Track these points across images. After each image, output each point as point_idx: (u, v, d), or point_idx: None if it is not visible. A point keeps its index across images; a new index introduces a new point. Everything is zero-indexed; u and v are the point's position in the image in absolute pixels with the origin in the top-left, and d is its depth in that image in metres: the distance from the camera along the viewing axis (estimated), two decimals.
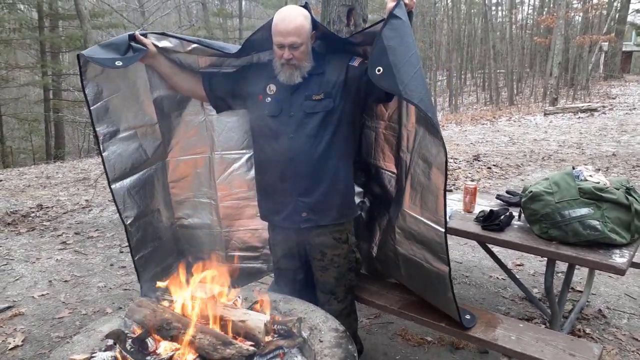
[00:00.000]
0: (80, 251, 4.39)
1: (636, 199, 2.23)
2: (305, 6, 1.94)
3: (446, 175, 1.75)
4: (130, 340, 1.59)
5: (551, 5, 24.09)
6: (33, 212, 5.76)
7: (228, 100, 2.17)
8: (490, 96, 22.51)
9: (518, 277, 2.91)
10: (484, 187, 6.07)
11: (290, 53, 1.89)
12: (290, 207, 2.07)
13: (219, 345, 1.48)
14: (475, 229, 2.48)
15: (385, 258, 2.35)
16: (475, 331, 2.05)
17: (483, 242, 2.79)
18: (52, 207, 6.01)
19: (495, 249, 3.02)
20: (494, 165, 7.44)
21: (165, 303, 1.72)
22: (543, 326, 2.67)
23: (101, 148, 1.94)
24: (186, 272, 1.79)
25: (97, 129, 1.93)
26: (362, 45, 2.06)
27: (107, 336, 1.61)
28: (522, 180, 6.41)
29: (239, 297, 1.86)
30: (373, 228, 2.47)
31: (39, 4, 15.56)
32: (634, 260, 2.28)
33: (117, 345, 1.55)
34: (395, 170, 2.25)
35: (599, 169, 6.49)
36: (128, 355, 1.51)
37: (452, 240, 3.87)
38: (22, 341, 2.88)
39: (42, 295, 3.50)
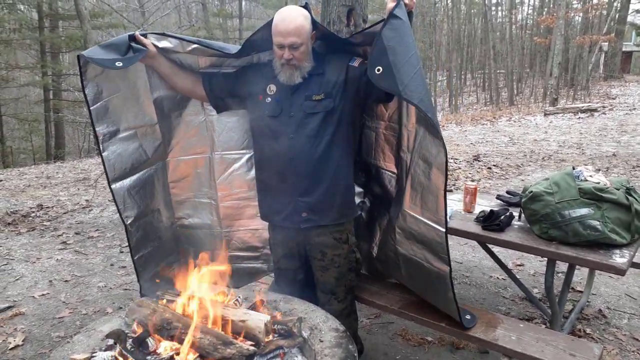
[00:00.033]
0: (81, 251, 4.40)
1: (636, 199, 2.23)
2: (305, 6, 1.94)
3: (446, 175, 1.75)
4: (130, 340, 1.59)
5: (551, 6, 24.10)
6: (33, 212, 5.76)
7: (228, 100, 2.17)
8: (490, 96, 22.52)
9: (518, 277, 2.91)
10: (484, 188, 6.07)
11: (290, 53, 1.89)
12: (290, 207, 2.07)
13: (220, 345, 1.48)
14: (476, 229, 2.48)
15: (385, 258, 2.35)
16: (475, 331, 2.05)
17: (483, 242, 2.79)
18: (53, 207, 6.01)
19: (496, 249, 3.02)
20: (494, 165, 7.44)
21: (165, 301, 1.72)
22: (543, 326, 2.67)
23: (101, 148, 1.94)
24: (186, 272, 1.79)
25: (97, 129, 1.93)
26: (362, 46, 2.06)
27: (108, 336, 1.61)
28: (522, 180, 6.41)
29: (239, 297, 1.86)
30: (373, 228, 2.47)
31: (39, 4, 15.56)
32: (634, 260, 2.28)
33: (118, 345, 1.55)
34: (395, 171, 2.25)
35: (599, 169, 6.49)
36: (128, 355, 1.51)
37: (452, 241, 3.87)
38: (23, 341, 2.88)
39: (43, 295, 3.50)
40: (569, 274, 2.44)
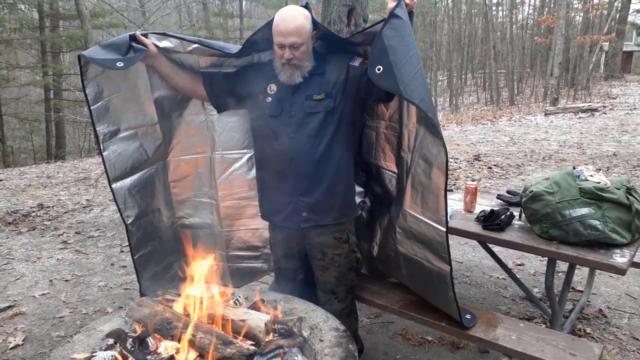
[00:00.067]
0: (81, 250, 4.40)
1: (637, 199, 2.23)
2: (306, 6, 1.94)
3: (447, 175, 1.75)
4: (130, 339, 1.59)
5: (552, 5, 24.10)
6: (34, 211, 5.76)
7: (229, 100, 2.17)
8: (490, 96, 22.51)
9: (518, 276, 2.91)
10: (485, 187, 6.07)
11: (290, 53, 1.89)
12: (290, 207, 2.07)
13: (220, 344, 1.48)
14: (476, 228, 2.48)
15: (386, 258, 2.35)
16: (475, 331, 2.05)
17: (484, 242, 2.79)
18: (53, 206, 6.01)
19: (496, 249, 3.02)
20: (494, 165, 7.44)
21: (165, 301, 1.73)
22: (543, 326, 2.67)
23: (101, 147, 1.95)
24: (186, 271, 1.79)
25: (97, 129, 1.93)
26: (363, 45, 2.06)
27: (108, 335, 1.61)
28: (523, 180, 6.41)
29: (239, 296, 1.86)
30: (374, 228, 2.47)
31: (40, 4, 15.57)
32: (635, 260, 2.27)
33: (118, 345, 1.55)
34: (396, 170, 2.25)
35: (600, 169, 6.49)
36: (128, 355, 1.51)
37: (452, 240, 3.86)
38: (23, 340, 2.89)
39: (43, 294, 3.50)
40: (569, 273, 2.44)
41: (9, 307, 3.30)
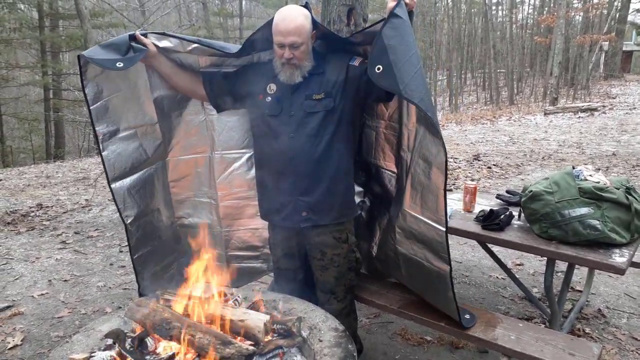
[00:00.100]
0: (80, 250, 4.39)
1: (636, 199, 2.23)
2: (306, 6, 1.94)
3: (446, 174, 1.75)
4: (129, 339, 1.59)
5: (551, 5, 24.10)
6: (33, 211, 5.76)
7: (228, 99, 2.17)
8: (490, 96, 22.52)
9: (518, 276, 2.91)
10: (484, 187, 6.07)
11: (290, 52, 1.89)
12: (290, 207, 2.07)
13: (219, 344, 1.48)
14: (475, 228, 2.48)
15: (385, 257, 2.35)
16: (474, 331, 2.05)
17: (483, 242, 2.79)
18: (52, 206, 6.01)
19: (495, 249, 3.02)
20: (494, 164, 7.44)
21: (164, 301, 1.72)
22: (543, 326, 2.67)
23: (101, 147, 1.94)
24: (185, 271, 1.79)
25: (96, 129, 1.93)
26: (363, 45, 2.06)
27: (107, 335, 1.61)
28: (522, 179, 6.41)
29: (238, 296, 1.86)
30: (373, 227, 2.47)
31: (39, 4, 15.55)
32: (634, 259, 2.28)
33: (117, 345, 1.55)
34: (395, 170, 2.25)
35: (599, 169, 6.49)
36: (127, 355, 1.51)
37: (451, 240, 3.84)
38: (22, 340, 2.88)
39: (42, 294, 3.50)
40: (569, 273, 2.44)
41: (8, 307, 3.30)
